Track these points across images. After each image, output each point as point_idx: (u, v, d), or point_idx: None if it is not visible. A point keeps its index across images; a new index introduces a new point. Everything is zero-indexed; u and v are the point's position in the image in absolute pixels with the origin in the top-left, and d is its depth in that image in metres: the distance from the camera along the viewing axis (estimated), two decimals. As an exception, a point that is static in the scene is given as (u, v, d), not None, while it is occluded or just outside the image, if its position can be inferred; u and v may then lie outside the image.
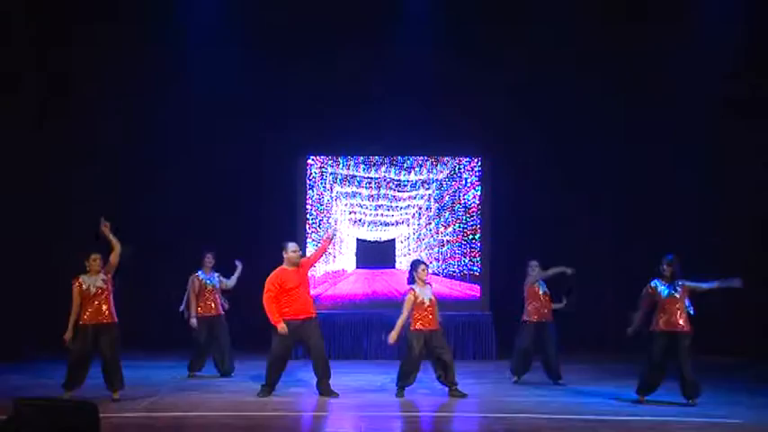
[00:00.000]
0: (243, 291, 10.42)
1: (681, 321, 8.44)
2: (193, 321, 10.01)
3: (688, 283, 8.60)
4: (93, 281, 8.42)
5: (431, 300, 8.87)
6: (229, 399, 8.65)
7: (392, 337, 8.79)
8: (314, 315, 8.91)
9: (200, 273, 10.14)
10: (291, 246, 8.98)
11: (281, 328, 8.65)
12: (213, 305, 10.13)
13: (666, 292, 8.53)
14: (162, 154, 12.72)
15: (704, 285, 8.58)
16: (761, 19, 11.73)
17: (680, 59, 12.24)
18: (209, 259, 10.19)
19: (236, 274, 10.29)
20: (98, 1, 12.19)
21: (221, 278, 10.26)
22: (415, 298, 8.81)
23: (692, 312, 8.51)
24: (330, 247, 12.62)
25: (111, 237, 8.42)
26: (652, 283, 8.59)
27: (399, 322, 8.77)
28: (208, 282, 10.15)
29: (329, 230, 10.37)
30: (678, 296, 8.50)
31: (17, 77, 11.83)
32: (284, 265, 8.91)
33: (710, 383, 9.65)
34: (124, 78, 12.42)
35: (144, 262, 10.73)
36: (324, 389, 8.83)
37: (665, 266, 8.58)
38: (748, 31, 11.83)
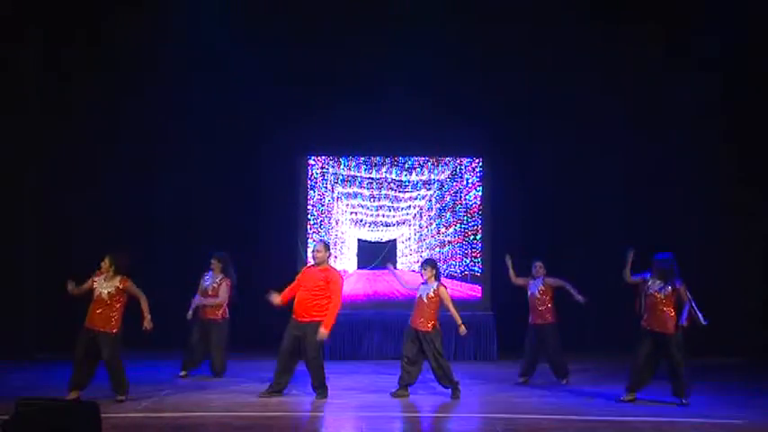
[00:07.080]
0: (247, 292, 10.45)
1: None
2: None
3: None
4: (104, 285, 8.26)
5: (420, 298, 8.92)
6: (231, 399, 8.65)
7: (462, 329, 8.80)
8: (308, 320, 8.62)
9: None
10: (315, 245, 9.06)
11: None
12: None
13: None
14: (162, 154, 12.71)
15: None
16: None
17: (679, 59, 12.25)
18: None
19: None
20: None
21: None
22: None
23: None
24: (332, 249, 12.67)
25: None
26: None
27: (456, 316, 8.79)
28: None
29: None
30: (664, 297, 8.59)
31: (20, 74, 11.85)
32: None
33: (709, 384, 9.69)
34: (122, 76, 12.39)
35: (145, 262, 10.72)
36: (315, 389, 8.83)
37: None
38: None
